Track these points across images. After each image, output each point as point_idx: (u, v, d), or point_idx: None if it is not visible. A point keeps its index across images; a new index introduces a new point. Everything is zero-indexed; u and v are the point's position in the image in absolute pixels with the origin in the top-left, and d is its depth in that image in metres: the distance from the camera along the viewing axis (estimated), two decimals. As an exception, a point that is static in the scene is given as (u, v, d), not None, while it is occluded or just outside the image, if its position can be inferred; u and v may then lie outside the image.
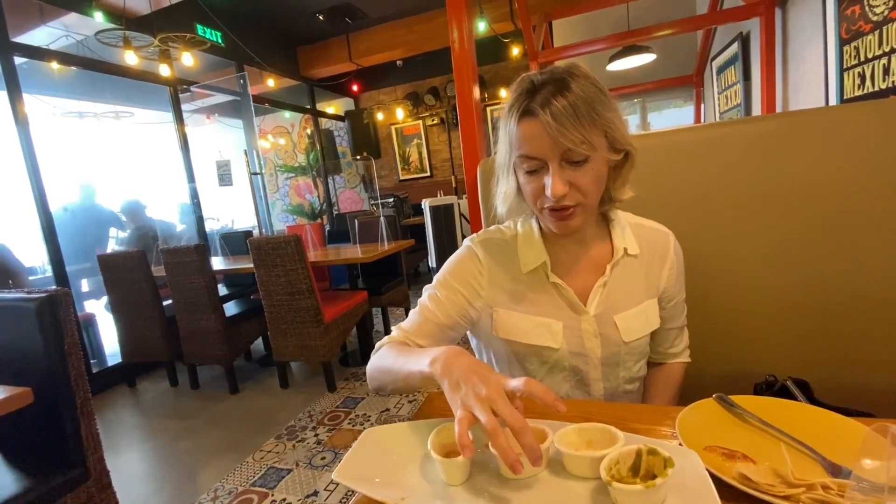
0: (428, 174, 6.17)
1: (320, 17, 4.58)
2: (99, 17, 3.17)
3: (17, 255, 2.88)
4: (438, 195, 4.99)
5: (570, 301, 0.75)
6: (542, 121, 0.61)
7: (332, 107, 6.38)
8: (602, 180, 0.68)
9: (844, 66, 1.90)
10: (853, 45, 1.82)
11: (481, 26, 4.28)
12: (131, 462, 2.18)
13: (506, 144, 0.69)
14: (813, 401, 0.71)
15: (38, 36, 3.17)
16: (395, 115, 6.07)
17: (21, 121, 2.75)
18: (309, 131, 6.22)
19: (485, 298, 0.78)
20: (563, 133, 0.60)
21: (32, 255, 3.32)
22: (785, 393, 0.74)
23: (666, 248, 0.80)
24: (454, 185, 5.94)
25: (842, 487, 0.41)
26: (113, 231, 4.07)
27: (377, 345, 0.76)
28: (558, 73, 0.64)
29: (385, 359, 0.70)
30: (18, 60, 2.82)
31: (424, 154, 6.13)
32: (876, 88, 1.71)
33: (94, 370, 3.13)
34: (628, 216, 0.81)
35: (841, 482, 0.42)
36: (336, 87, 5.92)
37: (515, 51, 4.63)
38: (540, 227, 0.78)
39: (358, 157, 6.03)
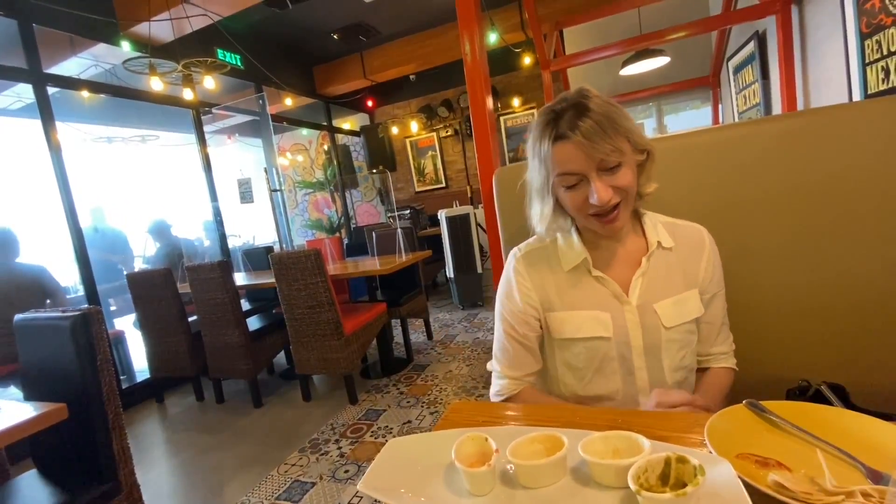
0: (443, 185, 6.21)
1: (335, 37, 4.70)
2: (126, 47, 3.32)
3: (54, 276, 2.97)
4: (454, 205, 5.01)
5: (615, 292, 0.79)
6: (575, 141, 0.69)
7: (348, 122, 6.50)
8: (635, 177, 0.75)
9: (867, 61, 1.85)
10: (874, 39, 1.78)
11: (492, 38, 4.32)
12: (160, 476, 2.22)
13: (541, 169, 0.76)
14: (850, 406, 0.69)
15: (69, 66, 3.33)
16: (409, 129, 6.15)
17: (54, 147, 2.88)
18: (326, 147, 6.34)
19: (538, 307, 0.84)
20: (595, 147, 0.68)
21: (65, 276, 3.44)
22: (819, 398, 0.71)
23: (701, 240, 0.83)
24: (470, 195, 5.96)
25: (884, 495, 0.39)
26: (139, 250, 4.20)
27: (498, 393, 0.86)
28: (573, 98, 0.72)
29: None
30: (51, 90, 2.96)
31: (439, 165, 6.17)
32: (902, 82, 1.66)
33: (124, 386, 3.21)
34: (659, 217, 0.85)
35: (883, 489, 0.40)
36: (351, 103, 6.03)
37: (527, 60, 4.65)
38: (577, 231, 0.83)
39: (374, 171, 6.11)
